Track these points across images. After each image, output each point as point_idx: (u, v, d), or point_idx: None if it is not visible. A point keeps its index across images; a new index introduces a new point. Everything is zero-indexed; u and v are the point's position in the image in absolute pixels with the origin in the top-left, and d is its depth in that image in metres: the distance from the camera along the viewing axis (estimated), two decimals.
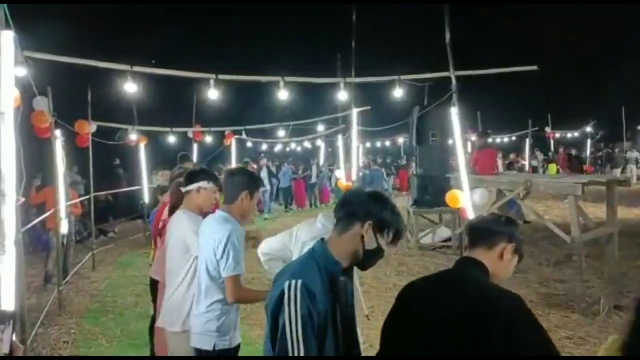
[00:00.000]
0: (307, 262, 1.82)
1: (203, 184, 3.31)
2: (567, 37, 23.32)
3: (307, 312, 1.64)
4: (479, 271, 1.85)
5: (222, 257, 2.69)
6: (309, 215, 13.58)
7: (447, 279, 1.91)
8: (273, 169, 17.50)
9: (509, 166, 14.80)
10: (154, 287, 4.08)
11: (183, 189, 3.38)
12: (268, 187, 15.51)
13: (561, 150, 20.98)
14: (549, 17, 21.78)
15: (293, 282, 1.68)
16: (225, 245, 2.68)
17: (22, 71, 4.17)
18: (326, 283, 1.74)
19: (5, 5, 2.67)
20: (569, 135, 24.06)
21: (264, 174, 15.51)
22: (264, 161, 16.95)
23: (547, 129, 21.54)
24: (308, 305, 1.65)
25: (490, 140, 11.77)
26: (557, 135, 22.89)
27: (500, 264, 1.90)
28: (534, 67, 7.01)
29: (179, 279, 3.14)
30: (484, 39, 22.11)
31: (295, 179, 17.44)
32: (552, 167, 18.06)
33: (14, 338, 1.71)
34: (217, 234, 2.71)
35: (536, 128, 19.73)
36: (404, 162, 23.48)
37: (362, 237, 1.81)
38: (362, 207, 1.83)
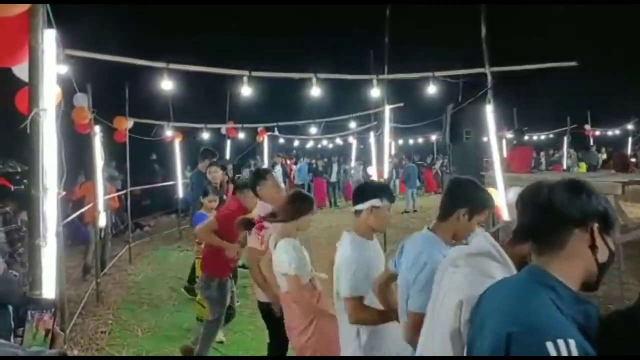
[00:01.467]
0: (537, 300, 1.27)
1: (375, 202, 2.72)
2: (608, 31, 22.55)
3: None
4: None
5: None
6: (326, 216, 13.45)
7: None
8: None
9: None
10: (266, 311, 3.80)
11: (357, 208, 2.78)
12: (283, 185, 14.99)
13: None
14: (588, 10, 21.08)
15: (561, 342, 1.15)
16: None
17: (64, 69, 4.29)
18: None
19: (47, 4, 2.75)
20: (610, 133, 23.28)
21: (278, 172, 14.92)
22: (278, 158, 16.71)
23: (587, 127, 20.90)
24: None
25: (526, 138, 11.49)
26: (597, 133, 22.19)
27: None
28: (574, 63, 6.81)
29: None
30: (521, 34, 21.57)
31: (315, 177, 16.94)
32: (582, 167, 17.50)
33: (55, 325, 1.77)
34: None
35: (574, 125, 19.19)
36: (428, 160, 22.58)
37: (593, 246, 1.33)
38: (573, 206, 1.34)
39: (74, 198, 8.57)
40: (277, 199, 3.86)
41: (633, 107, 22.93)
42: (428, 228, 2.37)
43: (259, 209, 3.92)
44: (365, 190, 2.85)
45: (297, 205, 3.36)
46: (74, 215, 7.11)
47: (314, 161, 17.93)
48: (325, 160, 18.88)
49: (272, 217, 3.39)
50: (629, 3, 19.32)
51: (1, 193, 3.00)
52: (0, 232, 3.31)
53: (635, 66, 24.51)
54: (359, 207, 2.77)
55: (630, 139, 22.46)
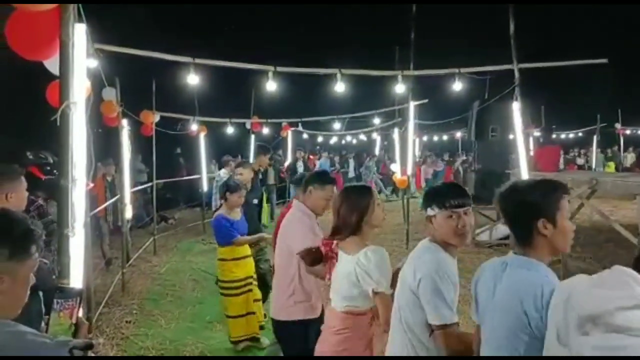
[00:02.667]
0: None
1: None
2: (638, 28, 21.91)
3: None
4: None
5: None
6: None
7: None
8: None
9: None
10: (284, 331, 3.36)
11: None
12: None
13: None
14: (619, 6, 20.51)
15: None
16: None
17: (93, 63, 4.38)
18: None
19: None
20: None
21: (299, 168, 14.08)
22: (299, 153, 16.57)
23: (617, 125, 20.39)
24: None
25: (554, 136, 11.26)
26: (628, 132, 21.62)
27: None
28: (604, 60, 6.66)
29: None
30: (550, 30, 21.17)
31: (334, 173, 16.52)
32: (611, 166, 17.07)
33: (80, 314, 1.81)
34: None
35: (604, 124, 18.75)
36: (446, 157, 21.38)
37: None
38: None
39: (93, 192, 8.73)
40: (323, 206, 3.31)
41: None
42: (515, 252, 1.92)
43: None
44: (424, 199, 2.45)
45: (354, 201, 2.64)
46: (100, 208, 7.26)
47: (331, 156, 17.69)
48: (345, 154, 18.66)
49: (337, 233, 2.68)
50: None
51: (32, 182, 3.06)
52: (39, 225, 3.39)
53: None
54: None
55: None
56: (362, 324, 2.60)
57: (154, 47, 6.09)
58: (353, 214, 2.61)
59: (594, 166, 17.22)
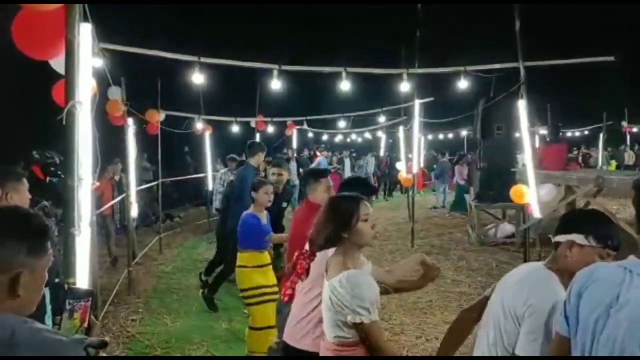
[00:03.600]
0: None
1: (578, 238, 2.03)
2: None
3: None
4: None
5: None
6: None
7: None
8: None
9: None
10: None
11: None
12: (297, 182, 12.48)
13: None
14: (627, 3, 20.38)
15: None
16: None
17: (99, 62, 4.39)
18: None
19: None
20: None
21: (292, 167, 13.58)
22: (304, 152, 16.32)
23: (624, 123, 20.27)
24: None
25: (560, 134, 11.17)
26: (634, 130, 21.49)
27: None
28: (611, 58, 6.62)
29: None
30: (556, 28, 21.06)
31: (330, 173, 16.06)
32: (613, 164, 17.00)
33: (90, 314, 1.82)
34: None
35: (610, 122, 18.64)
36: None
37: None
38: None
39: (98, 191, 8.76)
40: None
41: None
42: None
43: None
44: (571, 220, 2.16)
45: (334, 209, 2.35)
46: (106, 207, 7.29)
47: (329, 155, 17.15)
48: (340, 153, 18.30)
49: (311, 245, 2.41)
50: None
51: (32, 183, 3.05)
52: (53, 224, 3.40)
53: None
54: (558, 237, 2.09)
55: None
56: (358, 354, 2.22)
57: (159, 46, 6.11)
58: (328, 224, 2.29)
59: (599, 164, 17.14)
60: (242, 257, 4.39)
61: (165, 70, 9.13)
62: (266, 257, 4.46)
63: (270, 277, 4.42)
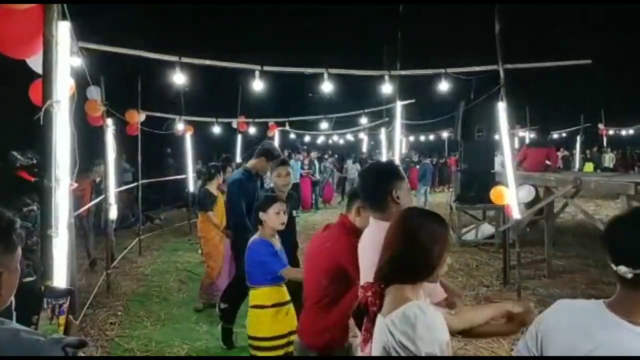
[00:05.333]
0: None
1: None
2: (623, 29, 22.26)
3: None
4: None
5: None
6: (305, 222, 12.94)
7: None
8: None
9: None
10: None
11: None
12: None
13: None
14: (604, 8, 20.82)
15: None
16: None
17: (77, 61, 4.32)
18: None
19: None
20: (624, 132, 23.03)
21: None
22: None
23: (600, 126, 20.70)
24: None
25: (549, 137, 11.17)
26: (611, 132, 21.95)
27: None
28: (588, 61, 6.75)
29: None
30: (535, 31, 21.39)
31: (301, 176, 14.87)
32: (589, 166, 17.35)
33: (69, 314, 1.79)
34: None
35: (589, 124, 19.01)
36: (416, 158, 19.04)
37: None
38: None
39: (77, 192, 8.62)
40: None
41: None
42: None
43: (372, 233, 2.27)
44: None
45: (429, 232, 1.74)
46: (85, 207, 7.18)
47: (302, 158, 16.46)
48: (309, 155, 17.79)
49: (386, 276, 1.76)
50: None
51: (22, 188, 3.01)
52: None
53: None
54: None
55: None
56: None
57: (140, 45, 6.04)
58: (422, 254, 1.70)
59: (577, 166, 17.48)
60: (255, 295, 3.49)
61: (145, 71, 9.04)
62: (284, 292, 3.52)
63: (290, 321, 3.47)
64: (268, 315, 3.41)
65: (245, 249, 3.57)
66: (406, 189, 2.26)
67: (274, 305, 3.43)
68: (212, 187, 6.20)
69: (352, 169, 17.01)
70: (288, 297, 3.52)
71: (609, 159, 19.85)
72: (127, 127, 9.47)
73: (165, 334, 5.30)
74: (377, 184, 2.25)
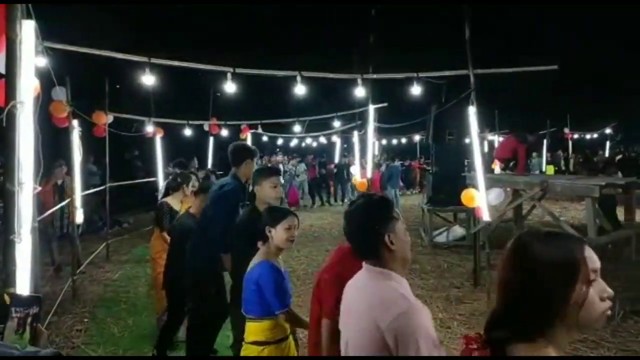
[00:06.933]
0: None
1: None
2: (588, 37, 22.98)
3: None
4: None
5: None
6: None
7: None
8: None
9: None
10: None
11: None
12: None
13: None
14: (570, 16, 21.47)
15: None
16: None
17: (42, 61, 4.20)
18: None
19: None
20: (588, 136, 23.75)
21: None
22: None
23: (566, 130, 21.30)
24: None
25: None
26: (576, 136, 22.60)
27: None
28: (555, 67, 6.91)
29: None
30: (504, 37, 21.87)
31: None
32: (550, 169, 17.88)
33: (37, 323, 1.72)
34: None
35: (554, 128, 19.52)
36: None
37: None
38: None
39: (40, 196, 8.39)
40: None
41: (611, 111, 23.44)
42: None
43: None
44: None
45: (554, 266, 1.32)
46: (50, 211, 6.98)
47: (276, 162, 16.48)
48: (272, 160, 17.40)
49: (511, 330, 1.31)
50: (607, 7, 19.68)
51: None
52: None
53: (614, 71, 24.98)
54: None
55: (608, 143, 22.96)
56: None
57: (111, 45, 5.91)
58: (554, 298, 1.24)
59: (544, 169, 17.94)
60: (255, 329, 2.87)
61: (114, 71, 8.86)
62: (285, 325, 2.93)
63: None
64: (270, 351, 2.84)
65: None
66: (402, 231, 1.90)
67: (277, 342, 2.87)
68: (175, 201, 5.26)
69: (300, 171, 17.03)
70: (288, 330, 2.96)
71: (570, 163, 20.70)
72: (94, 128, 9.27)
73: (134, 341, 5.20)
74: (366, 227, 1.89)
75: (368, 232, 1.88)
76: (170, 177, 5.95)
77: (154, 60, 6.01)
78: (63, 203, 7.59)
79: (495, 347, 1.28)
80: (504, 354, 1.25)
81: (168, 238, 4.94)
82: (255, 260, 2.93)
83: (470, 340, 1.36)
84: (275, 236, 2.90)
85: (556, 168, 18.57)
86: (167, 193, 5.44)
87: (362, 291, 1.85)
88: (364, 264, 1.93)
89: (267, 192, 3.36)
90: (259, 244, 2.96)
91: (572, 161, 20.86)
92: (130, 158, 15.47)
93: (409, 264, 1.95)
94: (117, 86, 9.30)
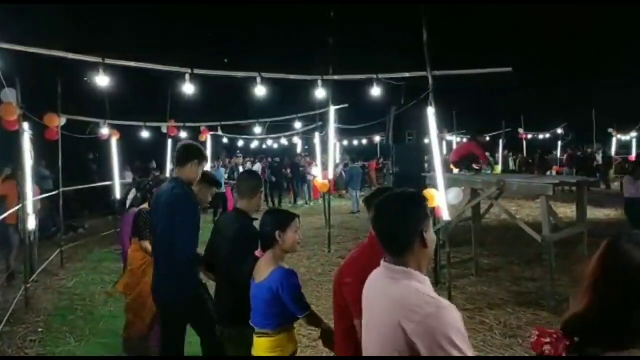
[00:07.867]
0: None
1: None
2: (541, 40, 23.76)
3: None
4: None
5: None
6: None
7: None
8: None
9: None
10: None
11: None
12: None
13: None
14: (524, 19, 22.15)
15: None
16: None
17: None
18: None
19: None
20: (541, 137, 24.59)
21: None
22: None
23: (520, 130, 22.01)
24: None
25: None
26: (529, 136, 23.36)
27: None
28: (509, 69, 7.09)
29: None
30: (462, 40, 22.34)
31: (226, 184, 13.65)
32: (497, 168, 18.50)
33: None
34: None
35: (509, 129, 20.13)
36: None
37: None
38: None
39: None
40: None
41: (563, 113, 24.35)
42: None
43: None
44: None
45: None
46: (7, 214, 6.70)
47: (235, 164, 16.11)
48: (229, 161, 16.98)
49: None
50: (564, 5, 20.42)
51: None
52: None
53: (565, 74, 25.93)
54: None
55: (559, 143, 23.83)
56: None
57: (63, 45, 5.71)
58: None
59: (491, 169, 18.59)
60: (267, 344, 2.73)
61: (67, 72, 8.57)
62: (295, 336, 2.89)
63: None
64: None
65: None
66: (432, 230, 1.86)
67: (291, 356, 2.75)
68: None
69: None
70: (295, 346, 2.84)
71: (512, 162, 21.90)
72: (46, 131, 8.94)
73: (91, 350, 5.04)
74: (407, 222, 1.81)
75: (407, 227, 1.80)
76: (143, 184, 5.47)
77: (108, 61, 5.85)
78: (17, 207, 7.29)
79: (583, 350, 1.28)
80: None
81: (150, 248, 4.36)
82: (267, 268, 2.76)
83: (544, 334, 1.35)
84: (285, 240, 2.78)
85: (504, 168, 19.38)
86: (143, 200, 4.99)
87: (383, 292, 1.79)
88: (383, 262, 1.85)
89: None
90: (258, 251, 2.83)
91: (518, 161, 22.20)
92: (86, 161, 15.03)
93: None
94: (69, 88, 8.97)
